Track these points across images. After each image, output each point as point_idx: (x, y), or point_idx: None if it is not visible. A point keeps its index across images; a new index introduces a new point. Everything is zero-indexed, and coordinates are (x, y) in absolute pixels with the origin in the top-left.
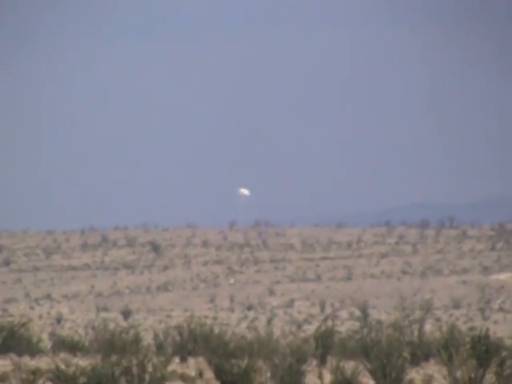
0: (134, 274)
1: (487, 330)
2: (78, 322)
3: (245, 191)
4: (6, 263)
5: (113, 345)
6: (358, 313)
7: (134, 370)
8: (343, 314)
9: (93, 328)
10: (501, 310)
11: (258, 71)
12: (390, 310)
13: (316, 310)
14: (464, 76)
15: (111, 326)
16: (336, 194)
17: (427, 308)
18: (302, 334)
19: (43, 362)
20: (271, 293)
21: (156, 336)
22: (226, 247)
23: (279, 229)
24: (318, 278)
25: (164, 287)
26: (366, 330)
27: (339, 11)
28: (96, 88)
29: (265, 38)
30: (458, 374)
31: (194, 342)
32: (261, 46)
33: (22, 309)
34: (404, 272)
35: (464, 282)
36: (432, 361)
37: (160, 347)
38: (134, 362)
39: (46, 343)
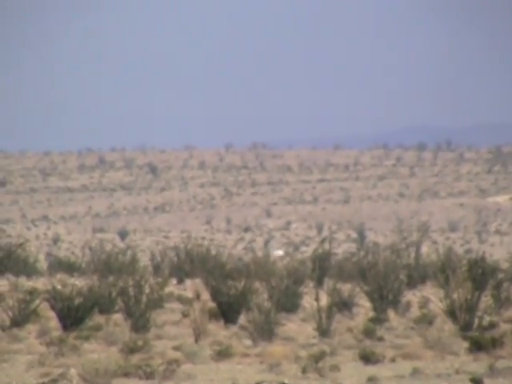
0: (131, 196)
1: (483, 252)
2: (74, 242)
3: (279, 252)
4: (3, 184)
5: (109, 265)
6: (354, 235)
7: (131, 291)
8: (340, 236)
9: (89, 249)
10: (497, 232)
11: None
12: (387, 232)
13: (313, 233)
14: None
15: (108, 246)
16: (334, 117)
17: (424, 230)
18: (299, 256)
19: (40, 283)
20: (268, 215)
21: (153, 257)
22: (222, 169)
23: (276, 151)
24: (315, 200)
25: (161, 208)
26: (362, 253)
27: None
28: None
29: None
30: (455, 296)
31: (191, 263)
32: None
33: (18, 230)
34: (401, 194)
35: (461, 205)
36: (428, 283)
37: (157, 268)
38: (131, 283)
39: (43, 264)
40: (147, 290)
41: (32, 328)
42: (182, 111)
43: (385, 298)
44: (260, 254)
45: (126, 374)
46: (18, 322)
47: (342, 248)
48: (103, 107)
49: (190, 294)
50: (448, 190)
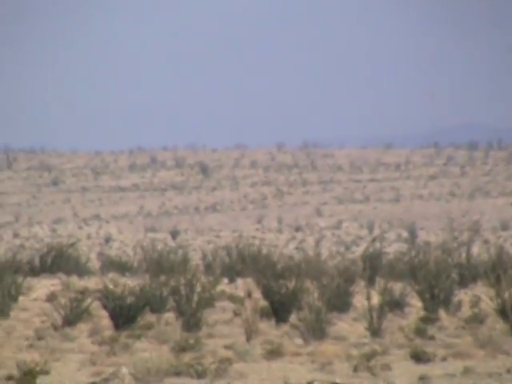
0: (183, 195)
1: None
2: (126, 242)
3: None
4: (55, 183)
5: (161, 265)
6: (405, 234)
7: (183, 290)
8: (391, 235)
9: (141, 248)
10: None
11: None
12: (438, 231)
13: (364, 232)
14: None
15: (159, 246)
16: (385, 115)
17: (475, 229)
18: (350, 256)
19: (91, 282)
20: (319, 214)
21: (204, 256)
22: (274, 168)
23: (327, 150)
24: (366, 200)
25: (212, 208)
26: (413, 252)
27: None
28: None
29: None
30: (506, 295)
31: (243, 262)
32: None
33: (70, 229)
34: (452, 194)
35: None
36: (480, 282)
37: (208, 267)
38: (183, 282)
39: (95, 263)
40: (199, 289)
41: (84, 327)
42: (233, 111)
43: (436, 298)
44: (311, 253)
45: (178, 373)
46: (70, 321)
47: (393, 247)
48: (155, 106)
49: (241, 293)
50: (499, 189)
